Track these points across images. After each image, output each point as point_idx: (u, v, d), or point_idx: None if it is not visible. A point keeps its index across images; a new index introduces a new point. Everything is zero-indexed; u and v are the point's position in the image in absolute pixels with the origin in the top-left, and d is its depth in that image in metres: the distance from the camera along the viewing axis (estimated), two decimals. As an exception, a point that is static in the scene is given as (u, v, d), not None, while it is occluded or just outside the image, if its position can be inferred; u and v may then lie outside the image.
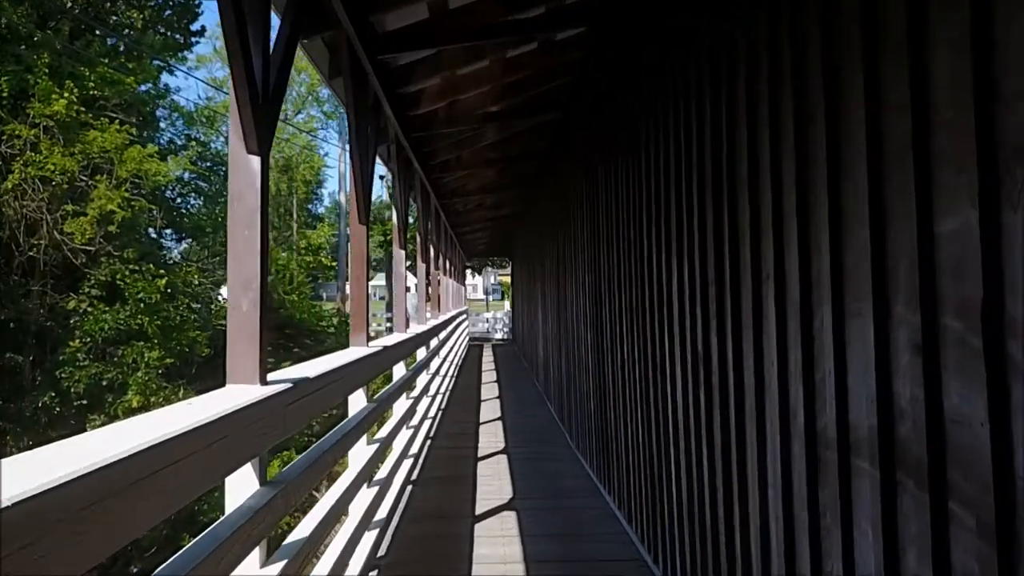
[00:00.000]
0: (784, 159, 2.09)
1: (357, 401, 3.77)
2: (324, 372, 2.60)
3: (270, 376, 2.30)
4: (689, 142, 3.03)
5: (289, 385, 2.22)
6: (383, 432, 4.66)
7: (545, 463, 6.56)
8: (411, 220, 9.48)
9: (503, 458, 6.74)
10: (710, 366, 2.81)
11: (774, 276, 2.14)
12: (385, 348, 4.10)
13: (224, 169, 34.21)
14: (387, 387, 4.56)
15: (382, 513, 4.27)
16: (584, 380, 6.19)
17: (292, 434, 2.29)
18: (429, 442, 7.42)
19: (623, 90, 4.38)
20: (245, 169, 2.15)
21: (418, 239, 7.83)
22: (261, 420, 2.02)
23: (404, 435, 5.56)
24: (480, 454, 6.94)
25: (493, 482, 5.88)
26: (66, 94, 14.25)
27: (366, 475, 3.77)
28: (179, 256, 22.25)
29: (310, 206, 43.97)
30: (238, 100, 2.11)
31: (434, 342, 9.03)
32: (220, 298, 24.14)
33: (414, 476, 5.99)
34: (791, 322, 2.05)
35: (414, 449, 6.03)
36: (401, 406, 5.52)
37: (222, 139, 35.72)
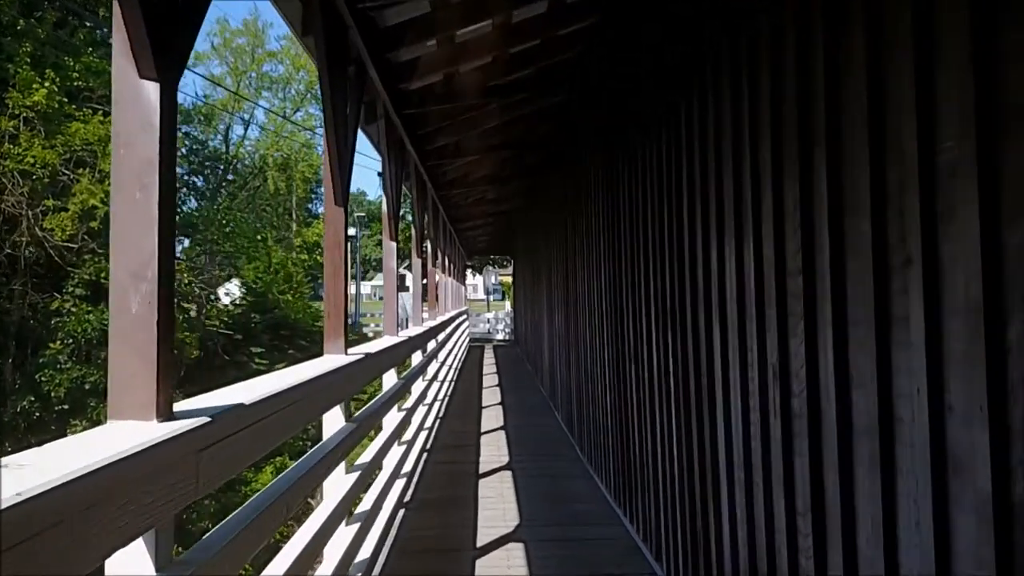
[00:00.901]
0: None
1: (333, 422, 3.08)
2: (266, 396, 1.90)
3: (181, 406, 1.61)
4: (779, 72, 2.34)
5: (205, 420, 1.52)
6: (369, 453, 3.97)
7: (554, 481, 5.86)
8: (410, 218, 8.77)
9: (507, 475, 6.05)
10: (788, 383, 2.12)
11: (922, 260, 1.44)
12: (367, 356, 3.42)
13: (221, 167, 33.73)
14: (370, 403, 3.86)
15: (366, 552, 3.57)
16: (599, 389, 5.49)
17: (208, 491, 1.59)
18: (425, 455, 6.73)
19: (655, 51, 3.69)
20: (135, 101, 1.47)
21: (413, 232, 7.14)
22: (155, 475, 1.32)
23: (395, 452, 4.87)
24: (482, 470, 6.24)
25: (497, 505, 5.19)
26: (47, 83, 13.58)
27: (344, 510, 3.08)
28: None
29: (310, 205, 43.30)
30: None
31: (431, 345, 8.34)
32: (217, 298, 23.52)
33: (407, 498, 5.29)
34: (953, 325, 1.36)
35: (407, 467, 5.34)
36: (392, 419, 4.83)
37: (220, 137, 35.16)
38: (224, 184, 32.42)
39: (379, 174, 24.06)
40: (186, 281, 17.63)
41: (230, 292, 26.77)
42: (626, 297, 4.41)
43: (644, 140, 3.96)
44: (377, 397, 4.06)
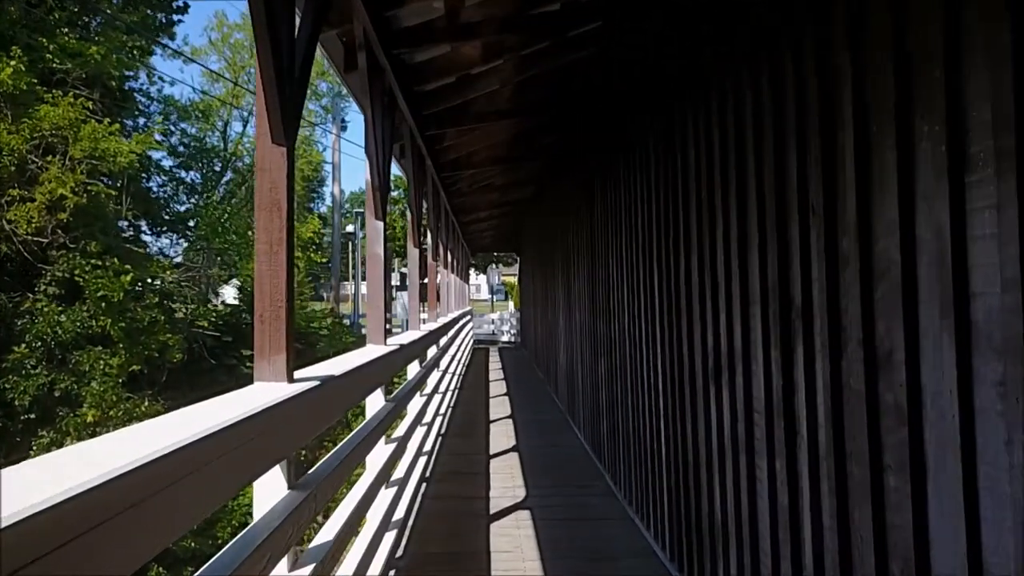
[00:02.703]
0: None
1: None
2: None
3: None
4: None
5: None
6: (348, 504, 2.77)
7: (585, 527, 4.64)
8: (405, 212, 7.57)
9: (525, 516, 4.84)
10: None
11: None
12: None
13: (219, 164, 32.68)
14: (341, 444, 2.65)
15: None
16: (647, 412, 4.27)
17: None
18: (424, 487, 5.52)
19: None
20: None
21: (409, 217, 5.93)
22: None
23: (382, 500, 3.66)
24: (493, 508, 5.03)
25: (515, 563, 3.98)
26: (13, 62, 12.38)
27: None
28: (158, 251, 20.42)
29: (312, 204, 42.02)
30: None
31: (432, 351, 7.13)
32: (208, 299, 22.31)
33: (399, 553, 4.08)
34: None
35: (399, 512, 4.13)
36: (378, 459, 3.63)
37: (217, 134, 34.07)
38: (224, 183, 31.42)
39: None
40: (169, 279, 16.45)
41: (222, 293, 25.62)
42: (692, 296, 3.20)
43: (728, 82, 2.75)
44: (346, 440, 2.85)
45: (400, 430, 4.33)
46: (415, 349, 4.95)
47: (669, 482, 3.81)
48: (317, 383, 2.09)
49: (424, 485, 5.56)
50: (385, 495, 3.80)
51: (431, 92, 5.43)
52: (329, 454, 2.48)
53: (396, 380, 6.35)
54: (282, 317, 2.02)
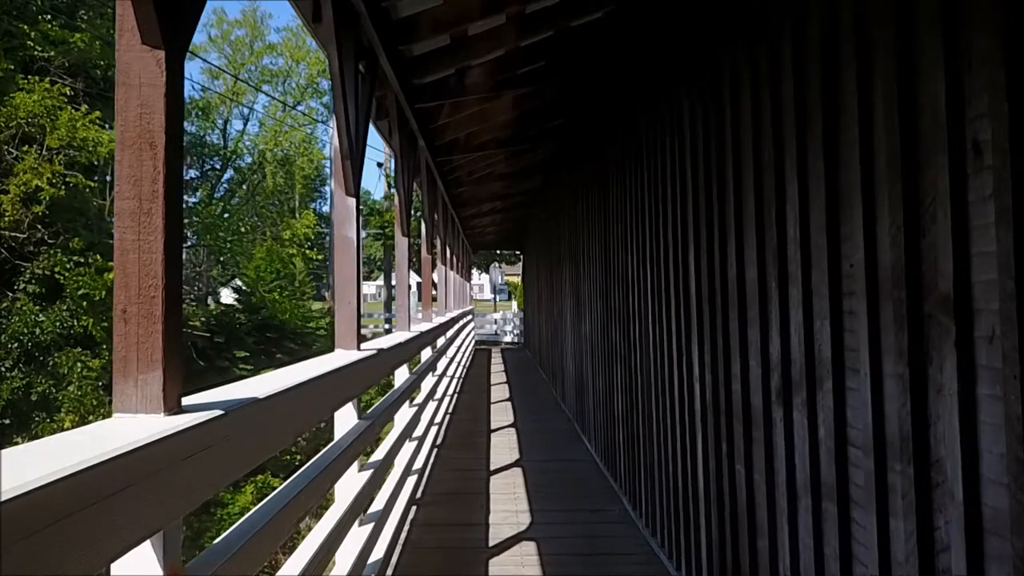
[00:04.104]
0: None
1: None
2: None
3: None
4: None
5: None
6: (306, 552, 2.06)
7: (601, 564, 3.91)
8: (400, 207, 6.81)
9: (530, 549, 4.11)
10: None
11: None
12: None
13: (220, 161, 32.18)
14: (283, 485, 1.93)
15: None
16: (670, 431, 3.54)
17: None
18: (414, 511, 4.80)
19: None
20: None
21: (397, 200, 5.20)
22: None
23: (354, 539, 2.95)
24: (493, 540, 4.30)
25: (517, 617, 3.26)
26: (-13, 47, 11.72)
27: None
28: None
29: (313, 204, 41.27)
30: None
31: (427, 354, 6.41)
32: (203, 300, 21.66)
33: (377, 602, 3.35)
34: None
35: (377, 553, 3.40)
36: (349, 488, 2.91)
37: (217, 131, 33.52)
38: (225, 181, 30.91)
39: (379, 164, 22.14)
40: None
41: (221, 293, 24.97)
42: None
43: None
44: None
45: (380, 452, 3.60)
46: (400, 354, 4.22)
47: (710, 519, 3.07)
48: (218, 413, 1.37)
49: (414, 510, 4.84)
50: (357, 533, 3.08)
51: (422, 58, 4.72)
52: (256, 508, 1.76)
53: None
54: (157, 314, 1.30)
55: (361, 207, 3.35)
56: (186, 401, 1.42)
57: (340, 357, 2.78)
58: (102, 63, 14.91)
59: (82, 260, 13.25)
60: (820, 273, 2.00)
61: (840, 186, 1.89)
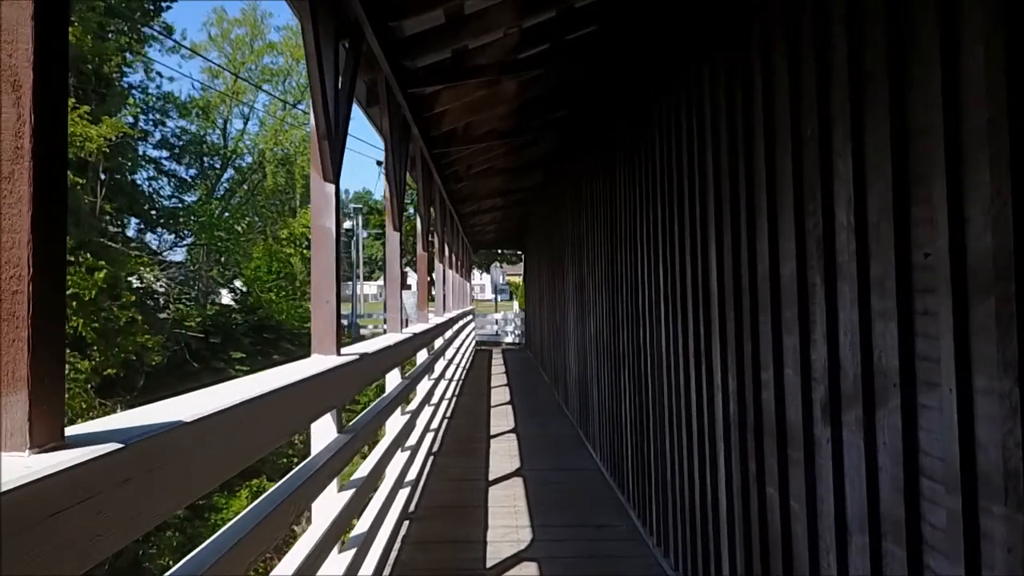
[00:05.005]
0: None
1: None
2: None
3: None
4: None
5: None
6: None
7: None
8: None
9: (532, 571, 3.76)
10: None
11: None
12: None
13: (220, 160, 31.79)
14: (246, 512, 1.59)
15: None
16: (686, 446, 3.19)
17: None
18: (406, 527, 4.45)
19: None
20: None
21: (387, 191, 4.86)
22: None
23: (333, 567, 2.61)
24: (491, 561, 3.95)
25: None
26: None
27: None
28: (151, 249, 19.43)
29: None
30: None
31: (422, 356, 6.07)
32: (201, 300, 21.31)
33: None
34: None
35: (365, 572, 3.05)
36: (330, 509, 2.56)
37: (217, 131, 33.19)
38: (225, 181, 30.59)
39: (378, 163, 21.69)
40: (153, 277, 15.44)
41: (221, 293, 24.63)
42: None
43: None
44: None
45: (365, 468, 3.25)
46: (390, 357, 3.87)
47: (733, 546, 2.72)
48: (114, 447, 1.02)
49: (406, 524, 4.50)
50: (337, 560, 2.74)
51: (415, 38, 4.37)
52: (219, 531, 1.42)
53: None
54: (22, 316, 0.95)
55: (360, 206, 3.03)
56: (74, 431, 1.07)
57: (315, 364, 2.43)
58: (92, 59, 14.58)
59: (72, 259, 12.92)
60: (882, 266, 1.64)
61: (910, 159, 1.54)
